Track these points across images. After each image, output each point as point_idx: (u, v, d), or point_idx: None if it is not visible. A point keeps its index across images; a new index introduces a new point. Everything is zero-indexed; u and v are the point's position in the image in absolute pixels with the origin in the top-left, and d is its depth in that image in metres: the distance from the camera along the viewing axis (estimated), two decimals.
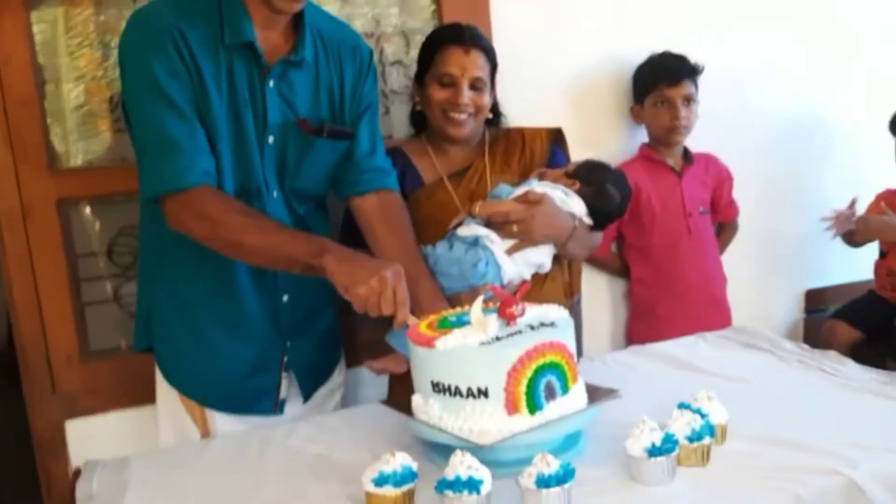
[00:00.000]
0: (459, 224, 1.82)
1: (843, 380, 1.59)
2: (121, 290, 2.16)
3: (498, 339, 1.29)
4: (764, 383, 1.61)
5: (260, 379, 1.79)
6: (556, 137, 2.03)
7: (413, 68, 2.06)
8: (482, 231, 1.77)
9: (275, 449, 1.49)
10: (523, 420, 1.27)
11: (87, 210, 2.11)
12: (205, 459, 1.49)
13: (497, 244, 1.75)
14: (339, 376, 1.97)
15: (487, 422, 1.26)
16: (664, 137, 2.51)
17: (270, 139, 1.66)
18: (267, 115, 1.64)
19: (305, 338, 1.82)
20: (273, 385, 1.80)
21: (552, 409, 1.29)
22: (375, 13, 2.27)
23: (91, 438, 2.11)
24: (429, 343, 1.31)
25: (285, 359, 1.80)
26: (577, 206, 1.82)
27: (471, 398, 1.27)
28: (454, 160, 1.98)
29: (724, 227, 2.70)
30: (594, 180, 1.85)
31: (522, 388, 1.27)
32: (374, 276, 1.42)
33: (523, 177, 1.93)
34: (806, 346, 1.79)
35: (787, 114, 2.76)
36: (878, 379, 1.58)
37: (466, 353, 1.27)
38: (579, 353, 2.06)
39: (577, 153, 2.04)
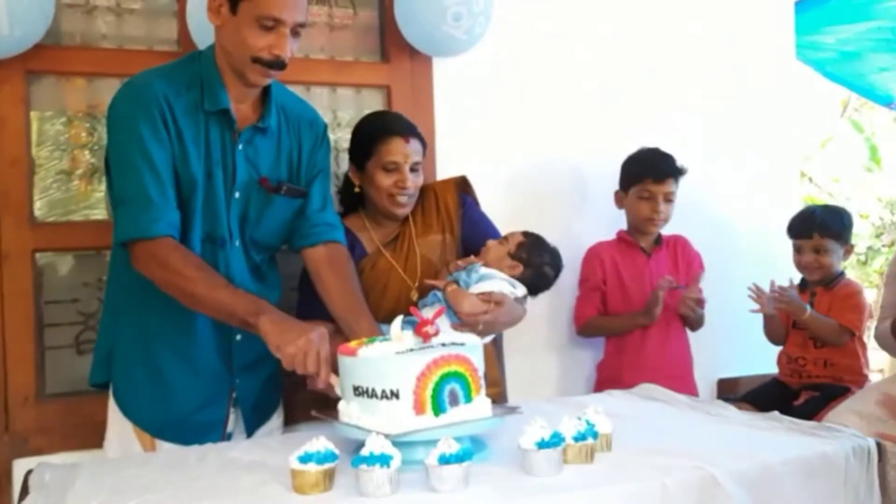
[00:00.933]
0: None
1: (723, 418, 1.82)
2: (81, 337, 2.33)
3: (411, 350, 1.50)
4: (654, 419, 1.82)
5: (209, 412, 1.96)
6: (462, 185, 2.30)
7: None
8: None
9: (213, 457, 1.63)
10: (428, 420, 1.46)
11: (58, 261, 2.32)
12: (149, 463, 1.64)
13: None
14: (278, 419, 2.13)
15: (398, 420, 1.45)
16: (641, 226, 2.80)
17: (237, 194, 1.91)
18: (235, 173, 1.90)
19: (253, 377, 2.01)
20: (221, 418, 1.97)
21: (455, 414, 1.49)
22: (333, 106, 2.61)
23: None
24: (353, 353, 1.53)
25: (234, 395, 1.98)
26: (521, 291, 2.11)
27: (385, 399, 1.47)
28: (388, 231, 2.24)
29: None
30: (534, 263, 2.14)
31: (429, 392, 1.47)
32: (301, 338, 1.65)
33: (443, 232, 2.20)
34: (697, 399, 2.02)
35: (697, 216, 3.09)
36: (753, 417, 1.81)
37: (383, 360, 1.49)
38: (504, 398, 2.28)
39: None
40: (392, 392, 1.46)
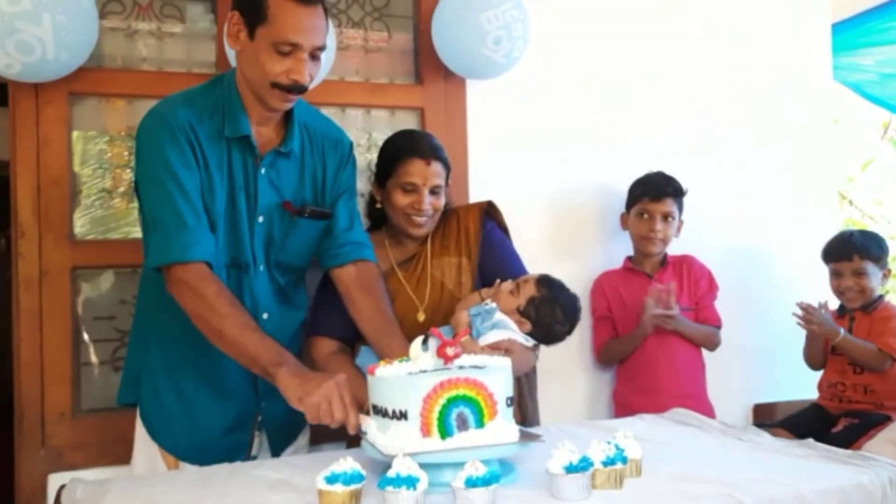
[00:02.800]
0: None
1: (755, 445, 1.78)
2: (116, 354, 2.37)
3: (424, 371, 1.49)
4: (685, 445, 1.79)
5: (234, 437, 1.97)
6: (487, 211, 2.26)
7: None
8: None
9: (240, 476, 1.63)
10: (434, 443, 1.44)
11: (96, 278, 2.37)
12: (177, 480, 1.66)
13: None
14: (304, 438, 2.13)
15: (405, 441, 1.44)
16: (640, 246, 2.83)
17: (260, 219, 1.91)
18: (258, 198, 1.89)
19: (278, 401, 1.97)
20: (245, 442, 1.98)
21: (464, 438, 1.46)
22: (368, 127, 2.64)
23: None
24: (371, 372, 1.54)
25: (259, 418, 1.98)
26: (530, 343, 2.05)
27: (395, 419, 1.46)
28: (405, 250, 2.22)
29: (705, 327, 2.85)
30: (543, 322, 2.03)
31: (435, 415, 1.45)
32: (322, 386, 1.62)
33: (460, 255, 2.17)
34: (730, 424, 1.98)
35: (735, 239, 3.06)
36: (786, 444, 1.77)
37: (394, 380, 1.48)
38: (536, 423, 2.24)
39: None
40: (401, 412, 1.46)
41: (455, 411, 1.46)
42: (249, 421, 1.97)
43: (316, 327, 2.09)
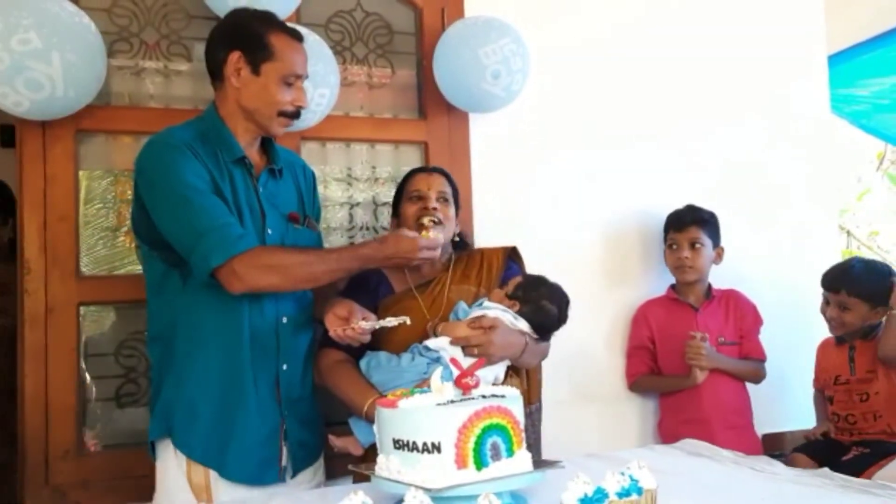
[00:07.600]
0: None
1: (769, 474, 1.77)
2: (122, 391, 2.36)
3: (452, 401, 1.48)
4: (698, 475, 1.78)
5: (266, 448, 1.97)
6: (511, 254, 2.33)
7: None
8: (447, 350, 2.02)
9: None
10: (470, 474, 1.43)
11: (102, 314, 2.36)
12: None
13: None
14: (320, 469, 2.14)
15: (439, 475, 1.42)
16: (676, 275, 2.90)
17: (269, 231, 1.99)
18: (265, 212, 1.99)
19: (298, 411, 2.04)
20: (276, 454, 1.99)
21: (497, 468, 1.45)
22: (372, 161, 2.66)
23: None
24: (392, 405, 1.52)
25: (284, 427, 1.99)
26: (524, 324, 2.10)
27: (426, 453, 1.44)
28: (423, 275, 2.25)
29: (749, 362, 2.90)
30: (530, 299, 2.12)
31: (470, 445, 1.43)
32: (404, 255, 1.92)
33: (479, 285, 2.22)
34: (741, 454, 1.97)
35: (733, 268, 3.06)
36: (800, 473, 1.76)
37: (423, 412, 1.47)
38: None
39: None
40: (433, 445, 1.43)
41: (490, 441, 1.45)
42: (276, 432, 1.99)
43: (326, 339, 2.09)
